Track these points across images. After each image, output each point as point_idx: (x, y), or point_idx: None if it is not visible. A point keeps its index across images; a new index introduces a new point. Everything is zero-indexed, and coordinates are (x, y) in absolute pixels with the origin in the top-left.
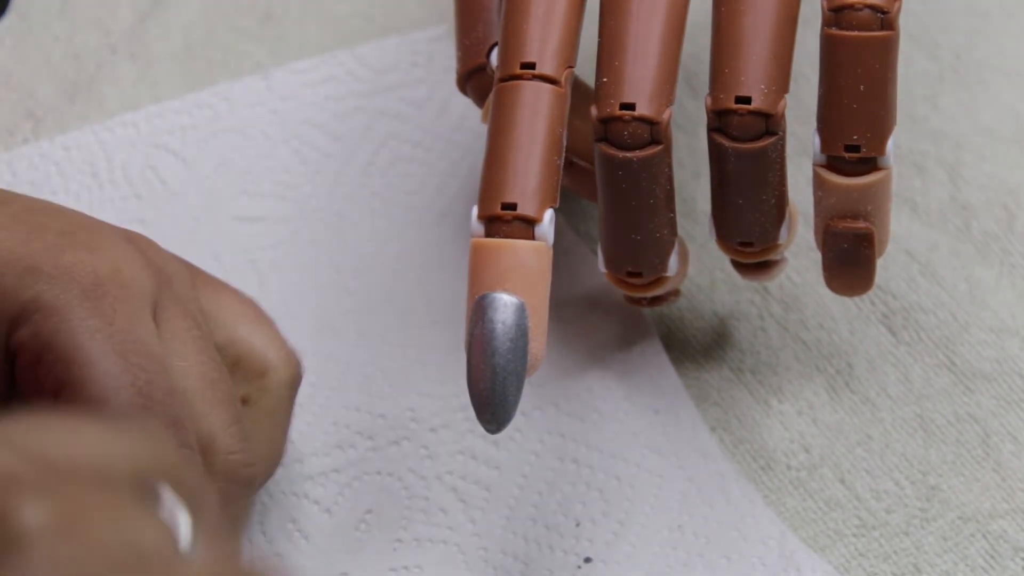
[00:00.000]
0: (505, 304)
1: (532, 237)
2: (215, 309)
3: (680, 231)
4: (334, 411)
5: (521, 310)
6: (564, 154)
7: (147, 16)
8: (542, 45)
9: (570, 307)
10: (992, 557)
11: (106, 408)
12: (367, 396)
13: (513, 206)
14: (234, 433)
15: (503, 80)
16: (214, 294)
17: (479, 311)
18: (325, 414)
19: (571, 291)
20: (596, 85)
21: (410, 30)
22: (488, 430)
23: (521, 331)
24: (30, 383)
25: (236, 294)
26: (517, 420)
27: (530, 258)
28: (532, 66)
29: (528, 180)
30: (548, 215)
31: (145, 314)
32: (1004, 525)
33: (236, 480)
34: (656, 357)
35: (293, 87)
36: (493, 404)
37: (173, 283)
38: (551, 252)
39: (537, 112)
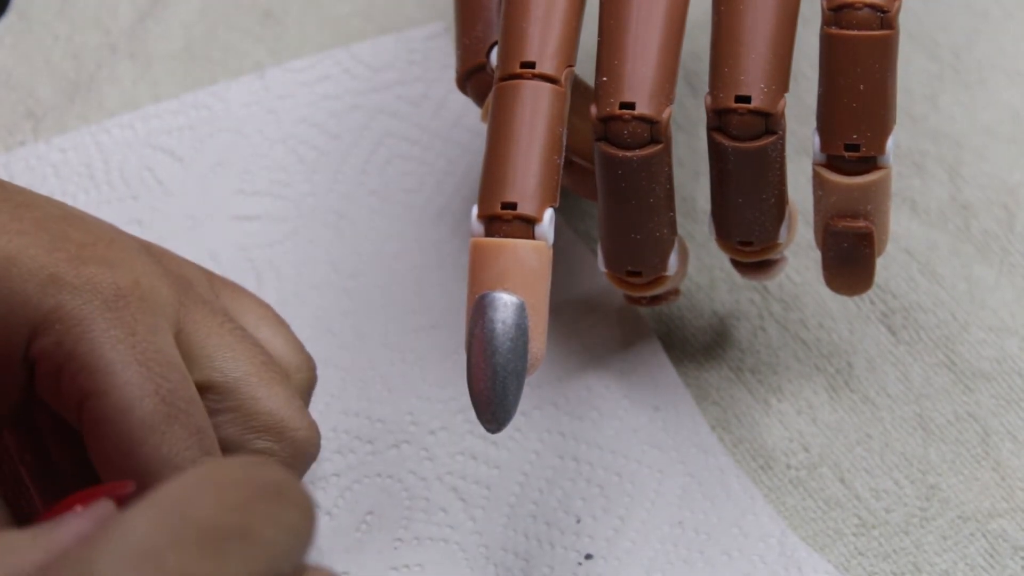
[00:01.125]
0: (505, 303)
1: (532, 237)
2: (237, 311)
3: (680, 230)
4: (334, 417)
5: (521, 309)
6: (564, 153)
7: (147, 16)
8: (542, 44)
9: (569, 307)
10: (992, 556)
11: (129, 417)
12: (366, 402)
13: (513, 205)
14: (298, 409)
15: (503, 79)
16: (233, 295)
17: (479, 310)
18: (324, 420)
19: (570, 291)
20: (596, 84)
21: (408, 28)
22: (488, 429)
23: (521, 330)
24: (50, 392)
25: (254, 297)
26: (517, 420)
27: (530, 257)
28: (532, 65)
29: (528, 179)
30: (548, 215)
31: (164, 326)
32: (1004, 524)
33: (305, 456)
34: (655, 356)
35: (290, 86)
36: (493, 404)
37: (195, 287)
38: (551, 252)
39: (537, 111)
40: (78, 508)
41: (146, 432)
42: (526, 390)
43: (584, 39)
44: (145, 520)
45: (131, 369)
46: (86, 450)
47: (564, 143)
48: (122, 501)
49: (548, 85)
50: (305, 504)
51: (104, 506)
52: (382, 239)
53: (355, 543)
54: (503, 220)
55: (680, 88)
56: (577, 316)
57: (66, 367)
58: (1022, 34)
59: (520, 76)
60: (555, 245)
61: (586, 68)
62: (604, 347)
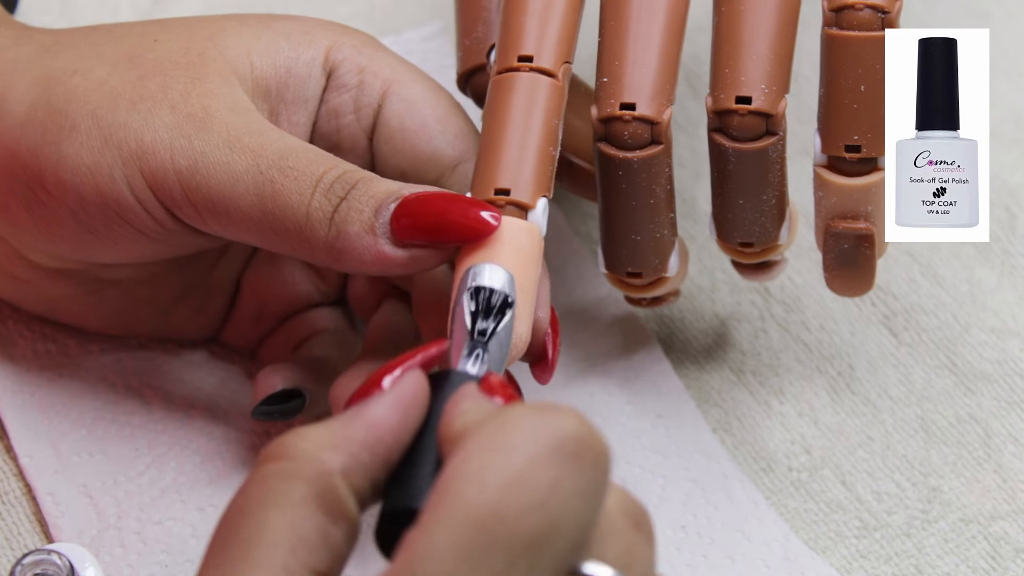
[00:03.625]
0: (494, 272)
1: None
2: None
3: (681, 231)
4: None
5: (510, 282)
6: (559, 147)
7: (147, 16)
8: (539, 39)
9: (572, 317)
10: (993, 559)
11: (424, 108)
12: None
13: (506, 192)
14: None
15: (500, 72)
16: None
17: (466, 280)
18: None
19: (572, 302)
20: (596, 85)
21: (405, 29)
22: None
23: (508, 303)
24: (347, 89)
25: None
26: None
27: (521, 236)
28: (529, 59)
29: (522, 167)
30: (541, 204)
31: None
32: (1005, 527)
33: None
34: (658, 364)
35: None
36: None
37: None
38: (543, 240)
39: (534, 102)
40: (386, 382)
41: (439, 121)
42: (529, 396)
43: (586, 41)
44: (444, 541)
45: (419, 72)
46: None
47: (560, 137)
48: (432, 362)
49: (545, 78)
50: (602, 458)
51: (411, 381)
52: None
53: (357, 545)
54: (496, 205)
55: (681, 89)
56: (579, 324)
57: (368, 67)
58: (1023, 35)
59: (518, 70)
60: (556, 251)
61: (587, 69)
62: (607, 355)
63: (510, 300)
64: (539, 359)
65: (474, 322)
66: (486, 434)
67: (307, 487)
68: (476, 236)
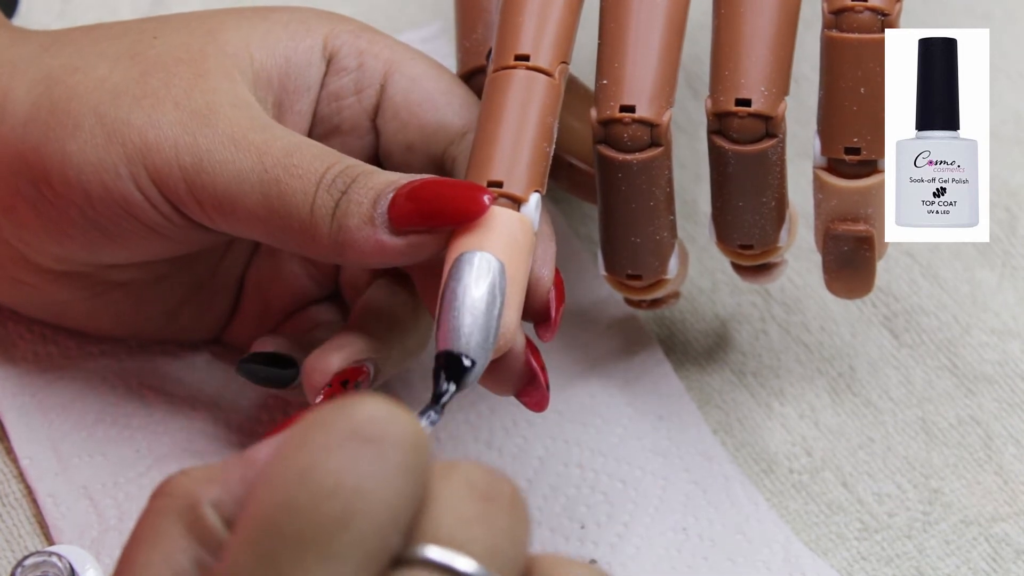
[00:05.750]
0: (484, 260)
1: None
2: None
3: (681, 233)
4: None
5: (500, 271)
6: (554, 146)
7: (147, 16)
8: (537, 38)
9: (573, 317)
10: (995, 560)
11: (426, 83)
12: None
13: (499, 184)
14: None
15: (497, 71)
16: None
17: (457, 267)
18: None
19: (572, 303)
20: (596, 87)
21: (405, 30)
22: (445, 389)
23: (498, 290)
24: (348, 71)
25: None
26: (520, 427)
27: (513, 226)
28: (526, 58)
29: (516, 161)
30: (534, 198)
31: None
32: (1006, 528)
33: None
34: (659, 366)
35: None
36: (457, 363)
37: None
38: (535, 235)
39: (529, 99)
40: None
41: (444, 93)
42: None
43: (586, 42)
44: (242, 544)
45: (418, 52)
46: None
47: (555, 135)
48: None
49: (542, 76)
50: (407, 437)
51: None
52: None
53: None
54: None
55: (681, 90)
56: (580, 325)
57: (368, 50)
58: (1023, 36)
59: (514, 68)
60: (556, 253)
61: (586, 71)
62: (607, 356)
63: (475, 367)
64: (543, 318)
65: (436, 383)
66: (286, 437)
67: (179, 519)
68: (471, 215)
